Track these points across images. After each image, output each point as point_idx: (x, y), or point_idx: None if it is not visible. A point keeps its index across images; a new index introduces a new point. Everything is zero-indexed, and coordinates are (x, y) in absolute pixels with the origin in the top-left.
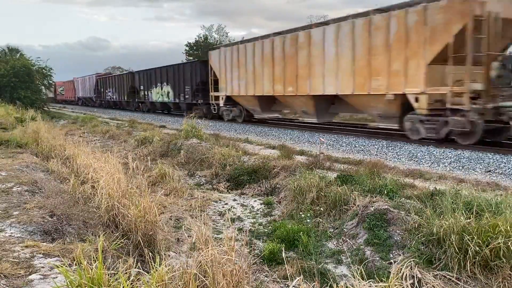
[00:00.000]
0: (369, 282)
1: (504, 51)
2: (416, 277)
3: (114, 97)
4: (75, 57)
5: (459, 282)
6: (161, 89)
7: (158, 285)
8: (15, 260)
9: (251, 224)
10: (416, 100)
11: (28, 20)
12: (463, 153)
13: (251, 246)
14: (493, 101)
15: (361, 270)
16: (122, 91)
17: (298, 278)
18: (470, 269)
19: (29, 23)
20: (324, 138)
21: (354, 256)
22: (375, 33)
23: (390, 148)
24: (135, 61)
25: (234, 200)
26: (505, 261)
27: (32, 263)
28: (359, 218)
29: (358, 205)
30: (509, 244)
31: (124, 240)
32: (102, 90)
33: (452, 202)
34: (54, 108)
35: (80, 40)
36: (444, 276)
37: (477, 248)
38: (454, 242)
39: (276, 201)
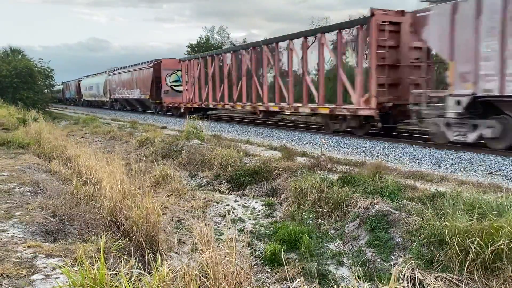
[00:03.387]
0: (369, 283)
1: None
2: (417, 279)
3: None
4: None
5: (460, 284)
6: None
7: (160, 286)
8: (17, 260)
9: (252, 225)
10: None
11: (28, 21)
12: (465, 155)
13: (253, 248)
14: None
15: (361, 271)
16: None
17: (298, 280)
18: (471, 270)
19: (29, 24)
20: (325, 139)
21: (355, 257)
22: None
23: (391, 149)
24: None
25: (236, 201)
26: (506, 262)
27: (34, 263)
28: (361, 220)
29: (359, 207)
30: (511, 245)
31: (126, 240)
32: None
33: (454, 203)
34: (55, 109)
35: (80, 41)
36: (445, 277)
37: (479, 250)
38: (455, 244)
39: (278, 203)
